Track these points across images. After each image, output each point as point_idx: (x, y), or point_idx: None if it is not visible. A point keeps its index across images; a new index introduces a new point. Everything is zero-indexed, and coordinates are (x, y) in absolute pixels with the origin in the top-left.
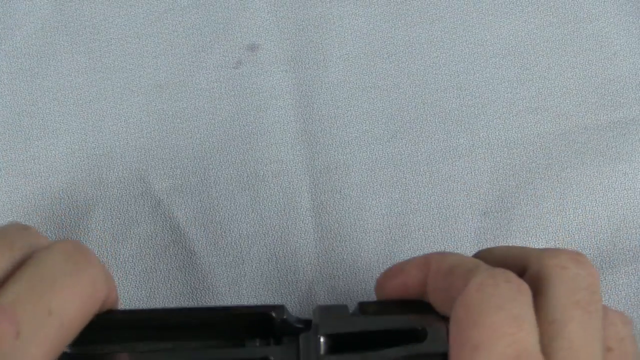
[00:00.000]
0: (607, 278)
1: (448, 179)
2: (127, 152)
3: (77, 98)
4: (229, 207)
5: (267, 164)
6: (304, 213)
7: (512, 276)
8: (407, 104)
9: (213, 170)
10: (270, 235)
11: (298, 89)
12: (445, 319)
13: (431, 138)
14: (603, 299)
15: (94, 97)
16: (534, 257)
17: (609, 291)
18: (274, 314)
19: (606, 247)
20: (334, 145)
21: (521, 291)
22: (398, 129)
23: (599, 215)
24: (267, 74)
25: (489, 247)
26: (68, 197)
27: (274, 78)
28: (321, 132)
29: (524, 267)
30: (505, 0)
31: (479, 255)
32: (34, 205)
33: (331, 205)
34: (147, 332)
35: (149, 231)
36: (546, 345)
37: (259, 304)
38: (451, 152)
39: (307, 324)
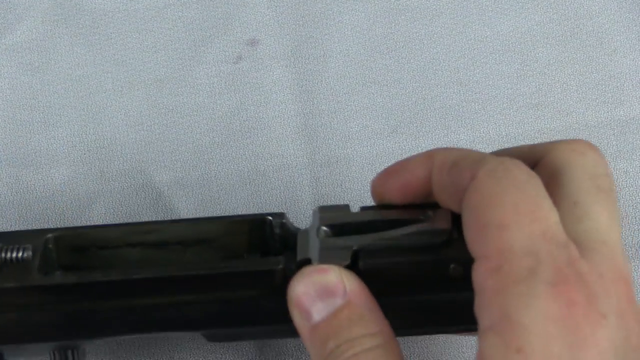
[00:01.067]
0: None
1: None
2: (128, 145)
3: (78, 91)
4: (230, 201)
5: (268, 158)
6: (305, 207)
7: (520, 163)
8: (408, 99)
9: (214, 165)
10: None
11: (298, 84)
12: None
13: (431, 133)
14: None
15: (94, 90)
16: (547, 146)
17: None
18: (273, 221)
19: None
20: (335, 140)
21: (532, 175)
22: (398, 124)
23: None
24: (267, 69)
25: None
26: (69, 189)
27: (274, 73)
28: (321, 126)
29: (536, 158)
30: None
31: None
32: (36, 197)
33: (332, 199)
34: (145, 249)
35: None
36: (570, 225)
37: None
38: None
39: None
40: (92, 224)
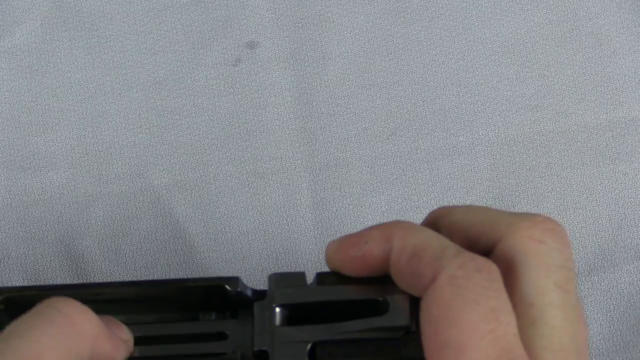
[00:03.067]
0: (608, 276)
1: (447, 176)
2: (126, 148)
3: (76, 94)
4: (229, 204)
5: (267, 161)
6: (303, 210)
7: (481, 263)
8: (407, 102)
9: (212, 167)
10: (271, 231)
11: (297, 87)
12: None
13: (430, 135)
14: (605, 298)
15: (93, 93)
16: (505, 227)
17: (610, 289)
18: (227, 287)
19: (607, 245)
20: (334, 143)
21: (493, 279)
22: (397, 126)
23: (599, 214)
24: (266, 72)
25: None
26: (68, 192)
27: (273, 75)
28: (321, 129)
29: (493, 239)
30: None
31: (437, 218)
32: (34, 200)
33: (331, 202)
34: (98, 306)
35: (149, 227)
36: (525, 329)
37: (213, 276)
38: (450, 149)
39: (263, 295)
40: (91, 227)
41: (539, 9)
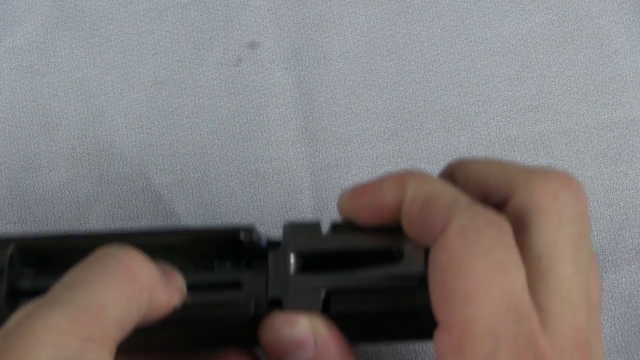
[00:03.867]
0: (610, 277)
1: None
2: (128, 148)
3: (77, 94)
4: (229, 204)
5: (268, 161)
6: (305, 210)
7: (492, 216)
8: (408, 102)
9: (213, 168)
10: (271, 232)
11: (298, 87)
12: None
13: (432, 136)
14: (606, 298)
15: (94, 92)
16: (520, 180)
17: (612, 290)
18: (242, 235)
19: (609, 245)
20: (335, 143)
21: (503, 231)
22: (399, 126)
23: (601, 215)
24: (267, 72)
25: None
26: (69, 192)
27: (274, 76)
28: (322, 129)
29: (507, 191)
30: None
31: (454, 169)
32: (35, 200)
33: (332, 203)
34: None
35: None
36: (534, 283)
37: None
38: (452, 150)
39: (277, 245)
40: (91, 227)
41: (540, 9)
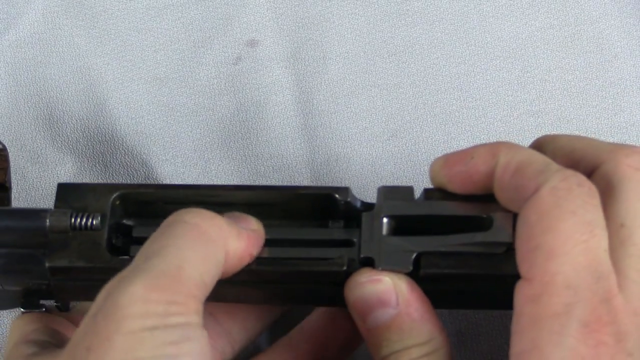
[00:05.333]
0: None
1: None
2: (130, 137)
3: (79, 83)
4: None
5: (268, 159)
6: None
7: (583, 179)
8: (408, 104)
9: (214, 165)
10: None
11: (298, 85)
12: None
13: (431, 139)
14: None
15: (95, 81)
16: (607, 153)
17: None
18: (337, 196)
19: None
20: (334, 140)
21: (591, 194)
22: (398, 128)
23: None
24: (266, 70)
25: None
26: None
27: (274, 74)
28: (321, 127)
29: (594, 163)
30: (506, 2)
31: (542, 142)
32: (41, 194)
33: None
34: (209, 208)
35: None
36: (614, 249)
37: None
38: None
39: (371, 207)
40: None
41: (540, 14)
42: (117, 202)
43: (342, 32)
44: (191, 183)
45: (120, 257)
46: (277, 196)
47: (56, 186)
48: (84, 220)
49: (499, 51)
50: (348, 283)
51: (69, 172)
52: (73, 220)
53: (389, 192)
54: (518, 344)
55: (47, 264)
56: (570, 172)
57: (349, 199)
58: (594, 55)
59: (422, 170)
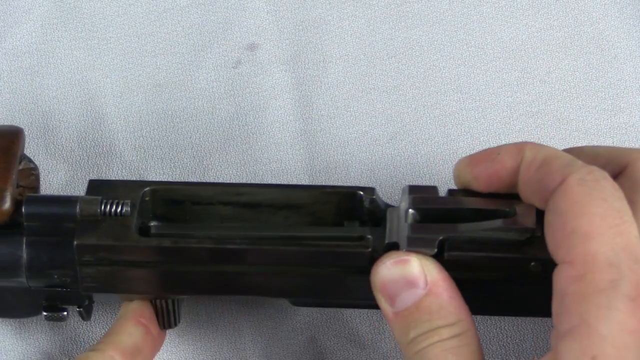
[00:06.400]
0: None
1: (448, 182)
2: (126, 150)
3: (77, 95)
4: None
5: (267, 163)
6: None
7: (607, 175)
8: (407, 106)
9: (212, 170)
10: None
11: (297, 89)
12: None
13: (431, 141)
14: None
15: (93, 94)
16: (633, 154)
17: None
18: (363, 194)
19: None
20: (334, 145)
21: (617, 187)
22: (397, 130)
23: None
24: (266, 74)
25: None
26: (69, 194)
27: (274, 78)
28: (320, 131)
29: (620, 165)
30: (506, 4)
31: (567, 151)
32: None
33: None
34: (235, 210)
35: None
36: None
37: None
38: (451, 155)
39: (396, 207)
40: None
41: (540, 15)
42: (147, 198)
43: (342, 35)
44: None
45: (149, 238)
46: (303, 195)
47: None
48: (114, 207)
49: (498, 53)
50: (375, 267)
51: (62, 181)
52: (103, 207)
53: (413, 189)
54: (566, 322)
55: (75, 242)
56: (595, 167)
57: (374, 198)
58: (593, 57)
59: (421, 172)
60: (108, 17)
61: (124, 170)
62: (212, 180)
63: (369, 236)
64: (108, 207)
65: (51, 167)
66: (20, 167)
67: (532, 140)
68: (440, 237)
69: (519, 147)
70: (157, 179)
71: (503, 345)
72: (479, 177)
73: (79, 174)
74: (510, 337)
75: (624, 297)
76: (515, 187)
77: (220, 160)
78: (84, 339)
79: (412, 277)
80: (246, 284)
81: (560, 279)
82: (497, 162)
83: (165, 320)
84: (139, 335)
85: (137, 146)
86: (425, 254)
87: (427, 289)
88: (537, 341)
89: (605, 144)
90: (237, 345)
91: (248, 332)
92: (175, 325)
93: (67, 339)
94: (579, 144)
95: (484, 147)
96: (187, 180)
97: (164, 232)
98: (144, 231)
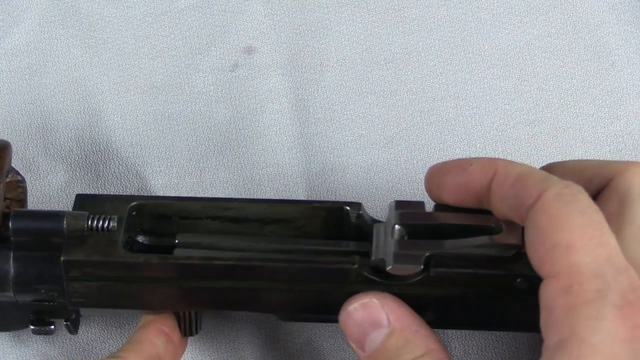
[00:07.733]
0: None
1: None
2: (124, 148)
3: (74, 94)
4: None
5: (263, 167)
6: None
7: (583, 189)
8: (404, 112)
9: (209, 174)
10: None
11: (294, 93)
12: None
13: (427, 146)
14: None
15: (90, 92)
16: (620, 165)
17: None
18: (349, 209)
19: None
20: (330, 148)
21: (592, 202)
22: (394, 135)
23: None
24: (263, 77)
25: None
26: (66, 194)
27: (271, 81)
28: (317, 135)
29: (607, 177)
30: (504, 10)
31: (551, 167)
32: (33, 202)
33: None
34: (223, 224)
35: None
36: (635, 250)
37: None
38: None
39: (382, 222)
40: None
41: (538, 22)
42: (134, 213)
43: (339, 39)
44: (185, 195)
45: (136, 254)
46: (290, 210)
47: (46, 195)
48: (101, 222)
49: (495, 59)
50: (339, 316)
51: (60, 181)
52: (90, 222)
53: (399, 205)
54: (556, 335)
55: (62, 258)
56: (570, 182)
57: (360, 213)
58: (591, 64)
59: (417, 177)
60: (106, 18)
61: (121, 168)
62: (208, 182)
63: (355, 253)
64: (95, 222)
65: (50, 166)
66: (8, 179)
67: (528, 148)
68: (427, 254)
69: (492, 162)
70: (154, 180)
71: (499, 352)
72: (447, 185)
73: (77, 173)
74: (506, 345)
75: (612, 306)
76: (481, 202)
77: (217, 163)
78: (84, 339)
79: (374, 318)
80: (235, 300)
81: (547, 293)
82: (468, 173)
83: (187, 327)
84: (161, 344)
85: (134, 147)
86: (383, 292)
87: (390, 327)
88: (532, 350)
89: (602, 152)
90: (235, 346)
91: (245, 335)
92: (197, 332)
93: (67, 339)
94: (576, 152)
95: (480, 154)
96: (174, 195)
97: (153, 244)
98: (131, 246)
